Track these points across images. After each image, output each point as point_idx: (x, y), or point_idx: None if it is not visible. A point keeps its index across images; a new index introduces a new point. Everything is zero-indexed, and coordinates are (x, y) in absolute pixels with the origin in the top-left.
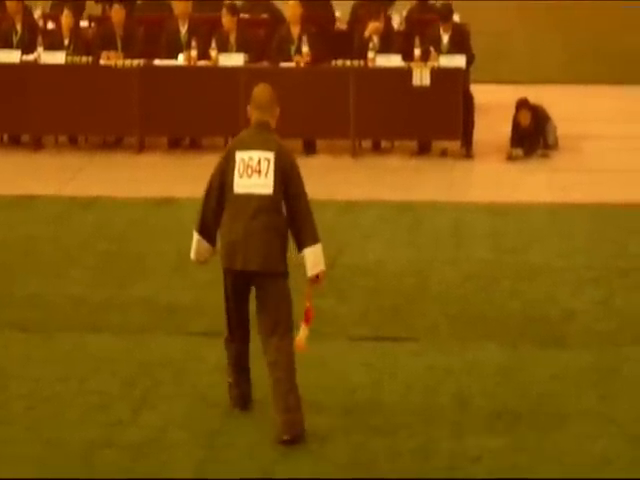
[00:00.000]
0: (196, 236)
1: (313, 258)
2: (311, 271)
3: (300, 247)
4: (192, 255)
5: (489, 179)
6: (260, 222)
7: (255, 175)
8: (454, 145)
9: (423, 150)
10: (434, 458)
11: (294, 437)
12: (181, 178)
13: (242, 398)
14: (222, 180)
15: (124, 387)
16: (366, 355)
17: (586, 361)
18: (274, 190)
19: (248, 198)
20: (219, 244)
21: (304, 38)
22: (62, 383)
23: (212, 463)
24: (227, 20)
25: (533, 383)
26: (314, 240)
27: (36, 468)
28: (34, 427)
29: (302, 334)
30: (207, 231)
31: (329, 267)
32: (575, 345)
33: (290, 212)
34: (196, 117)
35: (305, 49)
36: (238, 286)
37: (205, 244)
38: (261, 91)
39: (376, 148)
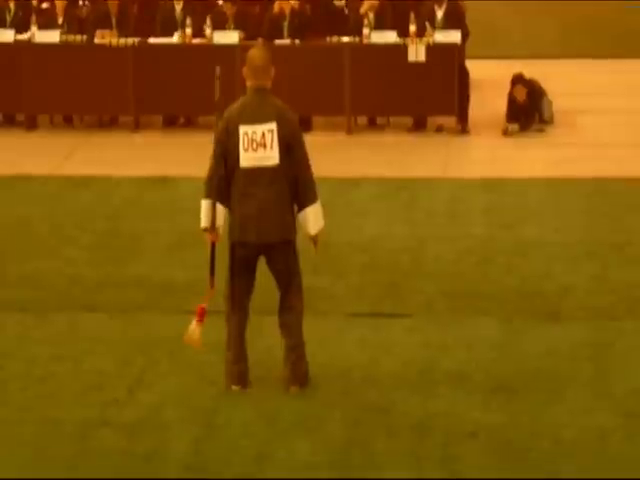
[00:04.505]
0: (207, 202)
1: (314, 216)
2: (313, 229)
3: (301, 207)
4: (204, 222)
5: (485, 154)
6: (272, 194)
7: (261, 149)
8: (450, 121)
9: (419, 126)
10: (430, 434)
11: (300, 386)
12: (176, 157)
13: (241, 375)
14: (224, 150)
15: (120, 366)
16: (362, 332)
17: (581, 335)
18: (280, 159)
19: (256, 171)
20: (228, 218)
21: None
22: (57, 363)
23: (208, 441)
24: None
25: (529, 358)
26: (314, 199)
27: (31, 448)
28: (29, 407)
29: (193, 331)
30: (221, 195)
31: (325, 245)
32: (570, 320)
33: (293, 176)
34: (191, 95)
35: None
36: (249, 258)
37: (221, 207)
38: (256, 54)
39: (371, 124)
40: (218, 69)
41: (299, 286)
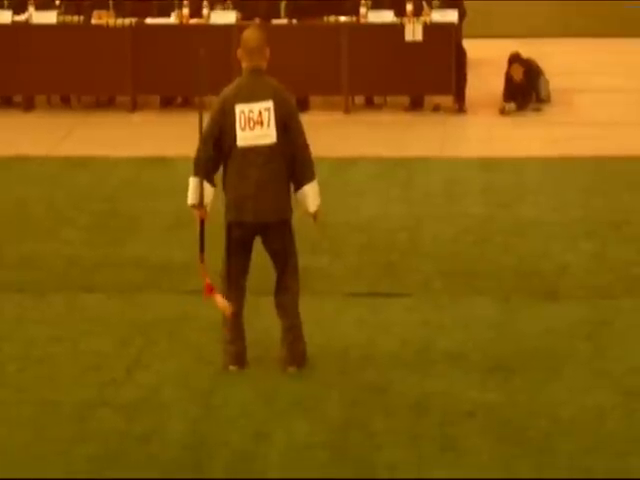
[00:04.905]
0: (195, 180)
1: (313, 193)
2: (312, 207)
3: (299, 186)
4: (192, 200)
5: (482, 134)
6: (269, 173)
7: (258, 127)
8: (447, 100)
9: (416, 105)
10: (428, 414)
11: (298, 366)
12: (174, 137)
13: (239, 355)
14: (219, 131)
15: (118, 346)
16: (360, 311)
17: (579, 314)
18: (278, 137)
19: (254, 150)
20: (225, 198)
21: None
22: (55, 343)
23: (206, 421)
24: None
25: (526, 337)
26: (312, 177)
27: (30, 429)
28: (27, 388)
29: (218, 302)
30: (208, 175)
31: (322, 225)
32: (568, 298)
33: (290, 156)
34: (188, 75)
35: None
36: (246, 238)
37: (209, 186)
38: (250, 35)
39: (369, 104)
40: (202, 51)
41: (295, 267)
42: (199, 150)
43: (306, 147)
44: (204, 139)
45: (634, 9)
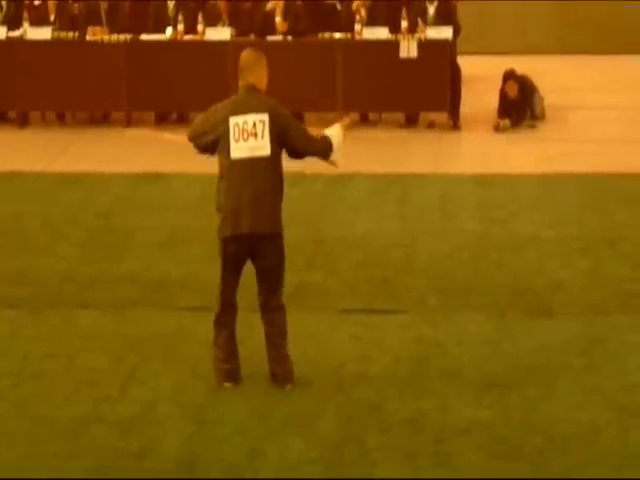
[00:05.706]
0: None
1: (339, 154)
2: (339, 161)
3: (326, 157)
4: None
5: (476, 150)
6: (264, 184)
7: (252, 138)
8: (441, 117)
9: (410, 122)
10: (423, 430)
11: (291, 382)
12: (168, 153)
13: (233, 373)
14: (214, 139)
15: (113, 363)
16: (355, 328)
17: (574, 331)
18: (272, 150)
19: (248, 162)
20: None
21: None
22: (50, 359)
23: (201, 438)
24: None
25: (521, 354)
26: (330, 148)
27: (24, 445)
28: (22, 404)
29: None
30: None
31: (317, 241)
32: (563, 315)
33: (297, 149)
34: (183, 92)
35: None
36: (240, 254)
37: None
38: (245, 55)
39: (364, 120)
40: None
41: (282, 286)
42: (199, 142)
43: (310, 140)
44: (202, 137)
45: (632, 10)
